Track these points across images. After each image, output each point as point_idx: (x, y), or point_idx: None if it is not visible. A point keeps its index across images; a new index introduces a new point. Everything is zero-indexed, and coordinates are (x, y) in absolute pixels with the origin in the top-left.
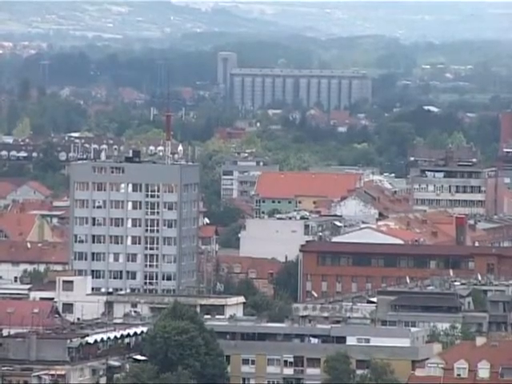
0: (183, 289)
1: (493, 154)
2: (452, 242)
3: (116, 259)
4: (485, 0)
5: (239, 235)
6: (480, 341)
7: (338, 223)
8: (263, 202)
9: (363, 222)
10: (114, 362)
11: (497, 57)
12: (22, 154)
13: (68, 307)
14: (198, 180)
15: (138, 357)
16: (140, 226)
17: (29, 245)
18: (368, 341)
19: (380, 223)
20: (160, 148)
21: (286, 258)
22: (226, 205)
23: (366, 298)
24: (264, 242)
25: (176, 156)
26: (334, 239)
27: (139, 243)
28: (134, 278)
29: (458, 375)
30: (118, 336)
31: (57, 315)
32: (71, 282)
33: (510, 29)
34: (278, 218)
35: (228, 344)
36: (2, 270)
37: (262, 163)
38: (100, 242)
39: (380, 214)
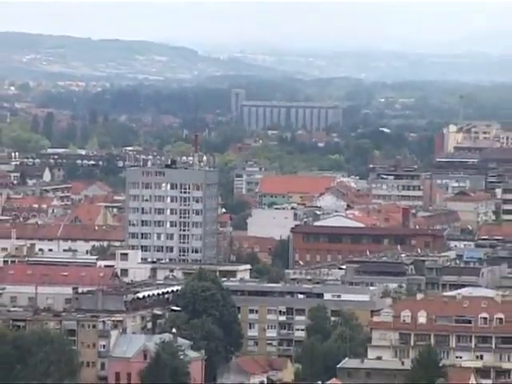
0: (207, 259)
1: (428, 163)
2: (399, 225)
3: (159, 238)
4: (425, 52)
5: (247, 221)
6: (419, 296)
7: (317, 212)
8: (264, 197)
9: (336, 212)
10: (157, 312)
11: (432, 93)
12: (92, 162)
13: (124, 272)
14: (217, 181)
15: (175, 308)
16: (176, 214)
17: (96, 227)
18: (339, 296)
19: (348, 212)
20: (190, 158)
21: (281, 237)
22: (237, 199)
23: (338, 266)
24: (265, 226)
25: (201, 164)
26: (315, 224)
27: (175, 226)
28: (171, 251)
29: (404, 321)
30: (160, 293)
31: (116, 278)
32: (126, 254)
33: (443, 72)
34: (275, 209)
35: (239, 299)
36: (77, 246)
37: (263, 169)
38: (147, 225)
39: (348, 206)
